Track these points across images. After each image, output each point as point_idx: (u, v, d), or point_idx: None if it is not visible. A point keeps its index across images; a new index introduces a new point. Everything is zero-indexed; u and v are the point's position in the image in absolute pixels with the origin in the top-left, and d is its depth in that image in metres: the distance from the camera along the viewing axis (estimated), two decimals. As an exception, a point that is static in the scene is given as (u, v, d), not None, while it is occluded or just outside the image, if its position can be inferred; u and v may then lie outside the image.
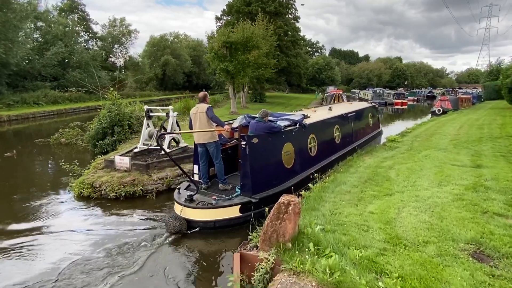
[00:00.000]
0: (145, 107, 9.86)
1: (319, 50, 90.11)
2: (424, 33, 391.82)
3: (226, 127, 6.25)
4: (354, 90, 58.71)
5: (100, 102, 13.52)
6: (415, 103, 49.41)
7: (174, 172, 8.46)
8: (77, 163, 9.78)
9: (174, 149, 9.58)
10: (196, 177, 7.00)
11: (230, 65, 21.59)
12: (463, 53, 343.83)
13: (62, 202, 7.68)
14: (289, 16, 43.23)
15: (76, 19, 46.78)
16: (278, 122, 6.99)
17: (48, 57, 35.95)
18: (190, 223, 5.83)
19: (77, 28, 45.16)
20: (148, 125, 9.81)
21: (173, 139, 9.84)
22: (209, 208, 5.77)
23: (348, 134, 10.22)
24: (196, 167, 7.05)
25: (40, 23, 39.99)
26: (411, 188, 5.86)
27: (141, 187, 7.83)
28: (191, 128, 6.60)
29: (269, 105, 30.86)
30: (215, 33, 23.38)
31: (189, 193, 6.13)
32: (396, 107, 40.07)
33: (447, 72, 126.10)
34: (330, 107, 12.29)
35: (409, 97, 48.00)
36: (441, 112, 27.35)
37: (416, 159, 8.32)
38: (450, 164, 7.60)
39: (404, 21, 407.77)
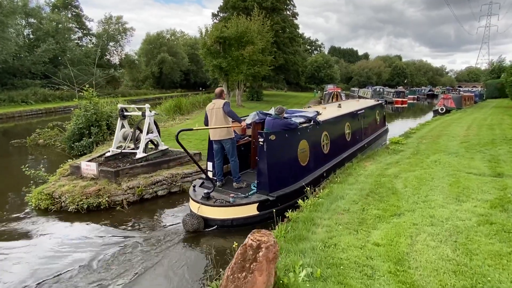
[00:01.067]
0: (119, 105, 8.74)
1: (318, 48, 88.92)
2: (424, 31, 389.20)
3: (243, 123, 6.23)
4: (353, 89, 57.59)
5: (76, 101, 12.37)
6: (415, 101, 48.38)
7: (147, 180, 7.39)
8: (43, 168, 8.64)
9: (151, 152, 8.50)
10: (209, 174, 6.65)
11: (224, 61, 20.53)
12: (462, 52, 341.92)
13: (15, 216, 6.59)
14: (287, 12, 42.12)
15: (69, 15, 45.51)
16: (292, 119, 6.80)
17: (39, 54, 34.74)
18: (207, 221, 5.70)
19: (70, 25, 43.89)
20: (123, 126, 8.73)
21: (151, 141, 8.77)
22: (227, 206, 5.63)
23: (357, 132, 10.09)
24: (210, 164, 6.81)
25: (31, 20, 38.77)
26: (424, 204, 4.80)
27: (107, 198, 6.75)
28: (206, 124, 6.38)
29: (266, 104, 29.74)
30: (208, 28, 22.19)
31: (205, 190, 5.93)
32: (396, 105, 38.99)
33: (446, 70, 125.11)
34: (339, 104, 11.98)
35: (409, 96, 46.91)
36: (444, 111, 26.28)
37: (425, 166, 7.27)
38: (466, 172, 6.54)
39: (404, 19, 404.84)
